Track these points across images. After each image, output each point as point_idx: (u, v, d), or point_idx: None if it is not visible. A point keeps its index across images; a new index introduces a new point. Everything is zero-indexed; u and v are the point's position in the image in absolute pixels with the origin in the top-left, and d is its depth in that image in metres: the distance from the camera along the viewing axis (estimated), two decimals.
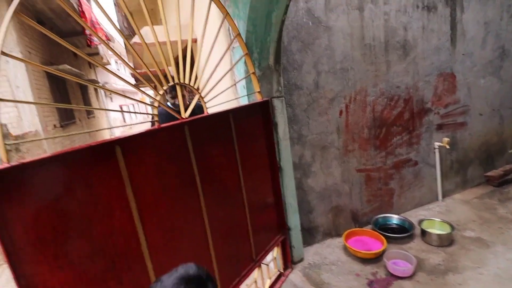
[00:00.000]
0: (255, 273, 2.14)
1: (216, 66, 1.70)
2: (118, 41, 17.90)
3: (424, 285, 2.20)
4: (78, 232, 1.06)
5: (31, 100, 5.01)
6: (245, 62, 2.06)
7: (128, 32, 8.71)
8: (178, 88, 1.48)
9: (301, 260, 2.66)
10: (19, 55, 4.89)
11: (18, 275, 0.90)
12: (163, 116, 4.93)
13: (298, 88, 2.55)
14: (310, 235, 2.87)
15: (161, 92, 1.36)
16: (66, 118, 6.64)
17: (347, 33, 2.65)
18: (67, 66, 6.14)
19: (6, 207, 0.88)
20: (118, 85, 18.25)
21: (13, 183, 0.90)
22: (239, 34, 1.89)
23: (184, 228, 1.51)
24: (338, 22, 2.60)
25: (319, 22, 2.54)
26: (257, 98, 2.12)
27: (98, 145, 1.12)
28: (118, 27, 8.53)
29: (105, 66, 13.02)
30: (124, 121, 19.54)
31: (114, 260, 1.18)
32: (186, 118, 1.52)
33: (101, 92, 14.22)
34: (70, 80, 8.14)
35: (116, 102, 19.05)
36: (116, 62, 20.77)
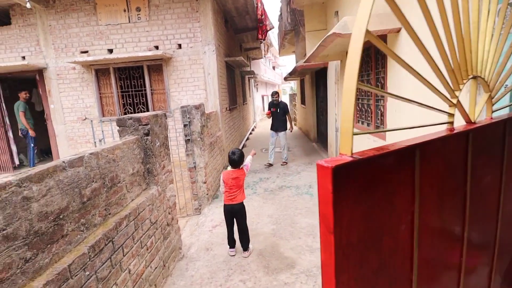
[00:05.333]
0: None
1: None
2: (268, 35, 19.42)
3: None
4: (372, 242, 0.92)
5: (216, 84, 5.90)
6: None
7: (290, 27, 9.09)
8: (472, 82, 1.15)
9: None
10: (214, 47, 5.79)
11: (329, 281, 0.81)
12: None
13: None
14: None
15: (461, 87, 1.07)
16: (233, 104, 7.59)
17: None
18: (241, 58, 6.92)
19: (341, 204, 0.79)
20: (264, 76, 19.93)
21: (345, 178, 0.80)
22: None
23: (444, 264, 1.20)
24: None
25: None
26: None
27: (404, 147, 0.93)
28: (283, 22, 8.87)
29: (257, 59, 14.16)
30: (263, 109, 21.50)
31: (391, 283, 1.00)
32: (473, 123, 1.18)
33: (252, 82, 15.77)
34: (236, 70, 9.27)
35: (259, 92, 21.02)
36: (264, 56, 22.74)
